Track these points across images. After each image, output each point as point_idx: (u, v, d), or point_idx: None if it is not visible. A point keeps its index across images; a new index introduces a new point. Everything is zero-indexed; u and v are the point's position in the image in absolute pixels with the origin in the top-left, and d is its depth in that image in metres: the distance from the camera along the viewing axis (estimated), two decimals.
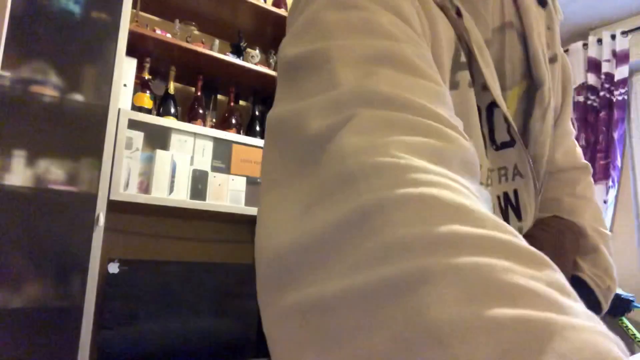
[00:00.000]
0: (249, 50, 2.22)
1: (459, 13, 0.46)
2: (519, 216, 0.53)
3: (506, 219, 0.52)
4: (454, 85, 0.46)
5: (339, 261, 0.22)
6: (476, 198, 0.25)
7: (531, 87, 0.55)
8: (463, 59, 0.47)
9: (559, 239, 0.57)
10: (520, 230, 0.54)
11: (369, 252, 0.21)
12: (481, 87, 0.49)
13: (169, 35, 1.98)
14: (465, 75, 0.47)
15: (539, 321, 0.18)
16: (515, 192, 0.53)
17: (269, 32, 2.44)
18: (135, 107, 1.87)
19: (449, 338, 0.17)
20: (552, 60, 0.57)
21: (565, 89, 0.64)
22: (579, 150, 0.69)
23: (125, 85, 1.80)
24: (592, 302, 0.59)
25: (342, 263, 0.22)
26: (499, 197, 0.52)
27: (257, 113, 2.33)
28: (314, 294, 0.22)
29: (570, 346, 0.17)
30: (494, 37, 0.52)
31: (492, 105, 0.50)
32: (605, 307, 0.60)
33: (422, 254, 0.20)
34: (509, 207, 0.53)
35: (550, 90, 0.54)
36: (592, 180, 0.67)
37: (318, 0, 0.38)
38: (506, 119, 0.50)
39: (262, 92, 2.39)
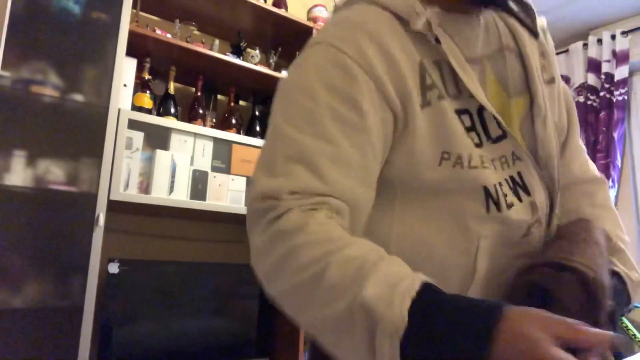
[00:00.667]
0: (249, 50, 2.22)
1: (437, 40, 0.58)
2: (527, 192, 0.62)
3: (517, 196, 0.61)
4: (425, 104, 0.57)
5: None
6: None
7: (532, 100, 0.66)
8: (429, 80, 0.58)
9: (592, 234, 0.62)
10: (532, 204, 0.62)
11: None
12: (468, 95, 0.59)
13: (169, 35, 1.98)
14: (433, 93, 0.58)
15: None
16: (519, 173, 0.62)
17: (269, 32, 2.44)
18: (135, 107, 1.87)
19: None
20: (550, 81, 0.68)
21: (569, 110, 0.74)
22: (593, 165, 0.77)
23: (125, 85, 1.80)
24: (625, 294, 0.62)
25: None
26: (507, 180, 0.61)
27: (257, 113, 2.33)
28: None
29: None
30: (495, 57, 0.65)
31: (481, 109, 0.60)
32: (634, 300, 0.63)
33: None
34: (517, 186, 0.62)
35: (544, 100, 0.64)
36: (608, 190, 0.74)
37: (294, 79, 0.66)
38: (494, 117, 0.60)
39: (262, 92, 2.39)
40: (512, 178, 0.61)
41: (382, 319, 0.41)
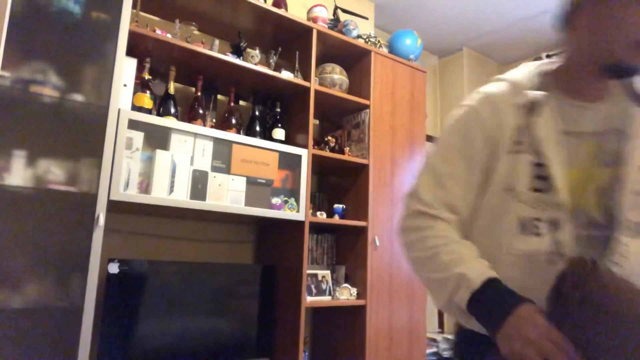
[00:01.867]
0: (249, 50, 2.22)
1: (535, 114, 0.86)
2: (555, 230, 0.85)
3: (545, 231, 0.85)
4: (512, 152, 0.87)
5: None
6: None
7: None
8: (520, 138, 0.86)
9: None
10: (557, 241, 0.83)
11: None
12: (544, 156, 0.85)
13: (169, 35, 1.98)
14: (517, 148, 0.86)
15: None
16: (556, 218, 0.85)
17: (269, 32, 2.44)
18: (135, 107, 1.87)
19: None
20: None
21: None
22: None
23: (125, 85, 1.80)
24: None
25: None
26: (542, 219, 0.85)
27: (257, 113, 2.33)
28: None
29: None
30: (599, 135, 0.86)
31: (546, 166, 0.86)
32: None
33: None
34: (553, 225, 0.84)
35: (629, 170, 0.83)
36: None
37: (447, 127, 0.97)
38: (551, 175, 0.84)
39: (262, 92, 2.39)
40: (551, 219, 0.83)
41: (468, 280, 0.78)
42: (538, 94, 0.88)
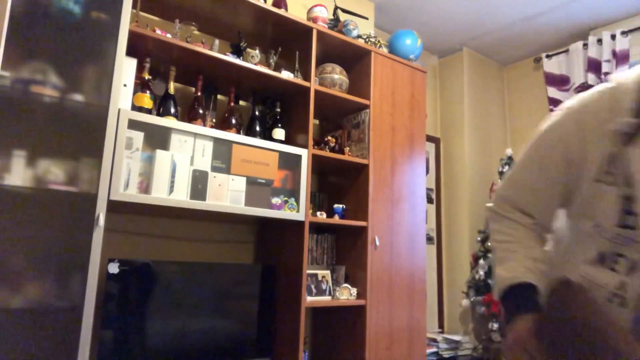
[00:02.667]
0: (249, 50, 2.22)
1: (630, 143, 0.78)
2: (622, 271, 0.85)
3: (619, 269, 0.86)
4: (598, 181, 0.83)
5: None
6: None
7: None
8: (605, 168, 0.81)
9: None
10: (622, 281, 0.84)
11: None
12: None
13: (169, 35, 1.98)
14: (607, 179, 0.82)
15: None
16: (632, 258, 0.84)
17: (269, 32, 2.44)
18: (135, 107, 1.87)
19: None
20: None
21: None
22: None
23: (125, 85, 1.80)
24: None
25: None
26: (622, 255, 0.84)
27: (257, 113, 2.33)
28: None
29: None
30: None
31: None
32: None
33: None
34: (626, 263, 0.85)
35: None
36: None
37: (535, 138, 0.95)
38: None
39: (262, 92, 2.39)
40: (633, 260, 0.82)
41: (502, 280, 0.90)
42: (632, 122, 0.78)
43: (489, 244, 1.08)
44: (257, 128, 2.29)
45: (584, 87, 3.41)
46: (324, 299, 2.34)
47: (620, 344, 0.68)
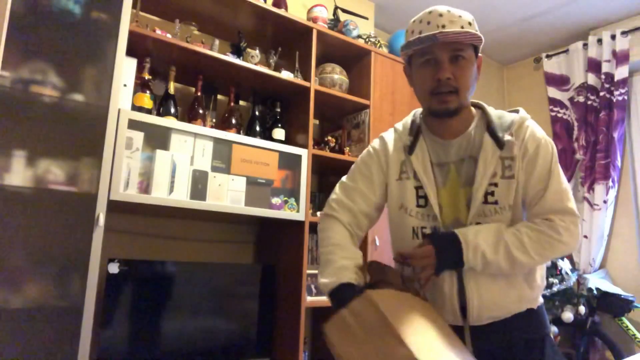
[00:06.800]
0: (249, 50, 2.22)
1: (410, 153, 1.18)
2: None
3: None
4: (402, 179, 1.18)
5: None
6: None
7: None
8: (404, 169, 1.19)
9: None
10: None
11: None
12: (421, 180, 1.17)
13: (169, 35, 1.98)
14: (406, 176, 1.18)
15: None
16: (435, 227, 1.15)
17: (269, 32, 2.44)
18: (135, 107, 1.87)
19: None
20: (509, 177, 1.09)
21: (535, 184, 1.11)
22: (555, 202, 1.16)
23: (125, 85, 1.80)
24: None
25: None
26: (431, 227, 1.15)
27: (257, 113, 2.33)
28: None
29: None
30: (459, 162, 1.14)
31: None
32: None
33: None
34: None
35: (479, 186, 1.09)
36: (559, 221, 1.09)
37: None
38: (426, 194, 1.15)
39: (262, 92, 2.39)
40: (433, 227, 1.13)
41: (326, 286, 1.12)
42: (410, 138, 1.19)
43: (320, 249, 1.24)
44: (257, 128, 2.29)
45: (584, 87, 3.41)
46: (324, 299, 2.33)
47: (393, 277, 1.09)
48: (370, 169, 1.23)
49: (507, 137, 1.10)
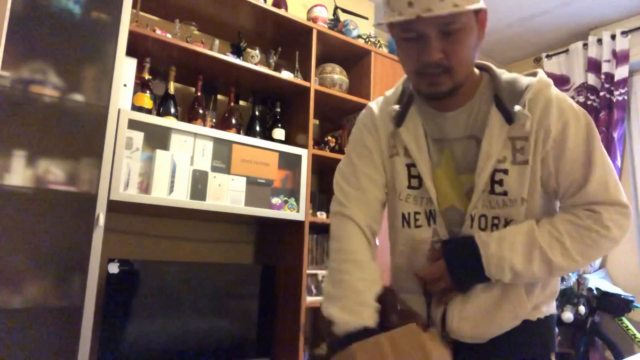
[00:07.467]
0: (249, 50, 2.22)
1: (399, 125, 0.97)
2: (433, 222, 0.96)
3: (428, 223, 0.96)
4: (392, 156, 0.99)
5: None
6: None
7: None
8: (393, 143, 0.98)
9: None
10: (434, 230, 0.95)
11: None
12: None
13: (169, 35, 1.98)
14: (396, 152, 0.98)
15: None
16: (431, 211, 0.96)
17: (269, 32, 2.44)
18: (135, 107, 1.87)
19: None
20: (523, 163, 0.87)
21: (558, 169, 0.88)
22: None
23: (125, 85, 1.80)
24: None
25: None
26: (425, 212, 0.96)
27: (257, 113, 2.33)
28: None
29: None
30: (457, 141, 0.92)
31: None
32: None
33: None
34: (430, 217, 0.96)
35: (482, 172, 0.88)
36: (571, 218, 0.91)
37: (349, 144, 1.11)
38: (419, 173, 0.95)
39: (262, 92, 2.39)
40: (428, 211, 0.94)
41: (336, 325, 0.87)
42: (397, 107, 0.99)
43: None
44: (257, 128, 2.29)
45: (584, 87, 3.41)
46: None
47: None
48: (367, 145, 1.01)
49: (517, 108, 0.85)
